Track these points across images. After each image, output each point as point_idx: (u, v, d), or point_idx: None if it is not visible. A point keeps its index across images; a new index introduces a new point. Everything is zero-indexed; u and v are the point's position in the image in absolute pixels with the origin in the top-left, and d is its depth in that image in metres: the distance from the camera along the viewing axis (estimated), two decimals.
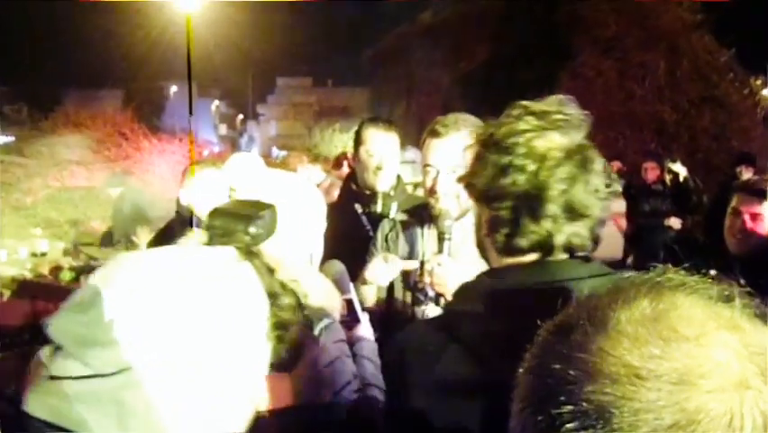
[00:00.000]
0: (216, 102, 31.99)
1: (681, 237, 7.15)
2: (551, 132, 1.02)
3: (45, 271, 5.73)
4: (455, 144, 1.78)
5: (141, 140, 11.01)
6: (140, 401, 0.67)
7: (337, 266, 1.66)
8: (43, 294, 5.72)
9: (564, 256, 1.04)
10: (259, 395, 0.80)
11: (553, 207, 1.00)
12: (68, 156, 10.08)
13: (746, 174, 6.77)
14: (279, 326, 0.79)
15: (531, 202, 1.01)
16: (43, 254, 6.30)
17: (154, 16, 15.95)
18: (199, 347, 0.70)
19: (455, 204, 1.82)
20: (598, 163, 1.03)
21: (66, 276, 5.29)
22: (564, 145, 1.02)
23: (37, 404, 0.67)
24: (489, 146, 1.05)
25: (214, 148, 17.79)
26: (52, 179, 9.73)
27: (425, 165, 1.87)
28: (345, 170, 6.63)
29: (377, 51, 17.94)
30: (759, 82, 12.83)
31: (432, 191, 1.84)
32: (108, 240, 6.49)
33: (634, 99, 10.73)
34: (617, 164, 8.22)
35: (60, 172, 9.91)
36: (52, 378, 0.67)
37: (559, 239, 1.02)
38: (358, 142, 2.41)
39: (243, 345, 0.74)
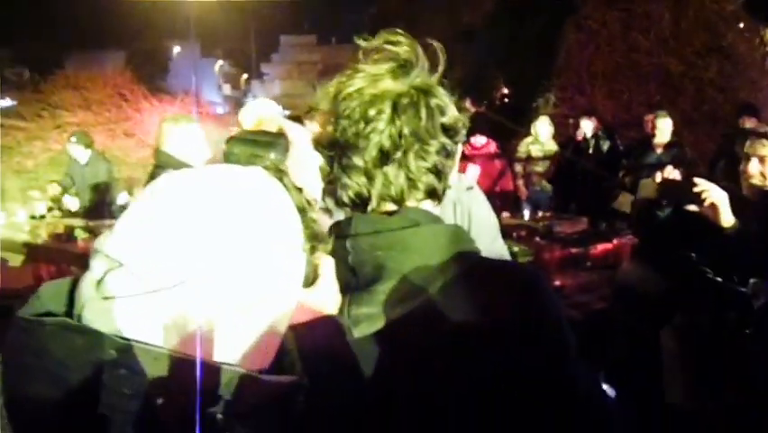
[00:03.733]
0: (220, 62, 31.67)
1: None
2: (383, 78, 1.01)
3: (44, 233, 5.76)
4: None
5: (142, 101, 10.93)
6: (195, 311, 0.70)
7: None
8: (45, 257, 5.78)
9: (386, 207, 1.02)
10: (295, 306, 0.83)
11: (363, 156, 0.99)
12: (68, 119, 10.04)
13: (749, 124, 6.67)
14: (313, 237, 0.84)
15: (344, 150, 1.00)
16: (42, 217, 6.32)
17: None
18: (247, 256, 0.73)
19: None
20: (436, 108, 1.01)
21: (81, 235, 5.34)
22: (395, 91, 1.00)
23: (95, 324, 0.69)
24: (328, 99, 1.04)
25: (218, 108, 17.67)
26: (53, 141, 9.72)
27: None
28: None
29: (380, 7, 17.65)
30: None
31: None
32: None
33: (639, 51, 10.51)
34: (592, 121, 8.01)
35: (61, 135, 9.86)
36: (105, 298, 0.70)
37: (375, 191, 1.00)
38: None
39: (285, 253, 0.78)
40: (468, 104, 8.56)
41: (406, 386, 0.94)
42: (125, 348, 0.67)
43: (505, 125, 8.82)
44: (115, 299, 0.70)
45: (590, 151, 7.81)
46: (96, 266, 0.73)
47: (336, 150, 1.02)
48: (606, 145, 7.92)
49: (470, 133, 7.20)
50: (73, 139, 6.90)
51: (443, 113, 1.01)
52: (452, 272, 0.96)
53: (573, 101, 10.50)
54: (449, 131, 1.02)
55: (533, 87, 11.09)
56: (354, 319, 0.95)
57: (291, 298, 0.81)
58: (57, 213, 6.50)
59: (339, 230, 1.02)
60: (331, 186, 1.06)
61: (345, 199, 1.03)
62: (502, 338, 0.94)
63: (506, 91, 12.36)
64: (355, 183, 1.01)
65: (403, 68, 1.01)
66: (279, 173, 0.84)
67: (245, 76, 35.37)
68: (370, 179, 1.00)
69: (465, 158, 6.46)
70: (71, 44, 17.42)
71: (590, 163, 7.60)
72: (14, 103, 12.24)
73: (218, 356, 0.72)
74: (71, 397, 0.66)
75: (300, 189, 0.86)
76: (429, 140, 0.99)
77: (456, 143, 1.05)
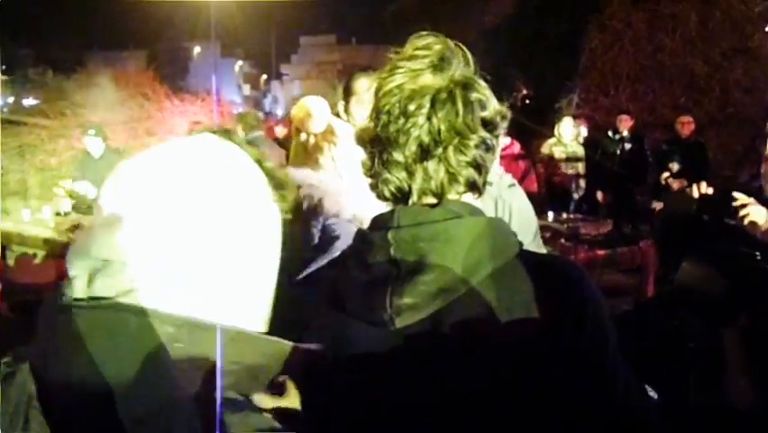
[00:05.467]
0: (240, 62, 31.89)
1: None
2: (423, 74, 1.01)
3: (67, 230, 5.79)
4: None
5: (164, 100, 10.98)
6: (185, 286, 0.73)
7: None
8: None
9: (426, 201, 1.02)
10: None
11: (402, 152, 1.00)
12: (91, 117, 10.07)
13: None
14: (278, 186, 0.87)
15: (385, 145, 1.02)
16: (67, 214, 6.35)
17: None
18: (223, 220, 0.76)
19: None
20: (476, 102, 1.01)
21: None
22: (433, 86, 1.00)
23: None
24: (370, 95, 1.06)
25: (238, 109, 17.76)
26: (76, 140, 9.76)
27: None
28: None
29: (400, 7, 17.61)
30: None
31: None
32: None
33: (664, 52, 10.41)
34: (626, 120, 7.98)
35: (84, 133, 9.92)
36: (93, 299, 0.71)
37: (415, 185, 1.01)
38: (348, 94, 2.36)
39: (260, 209, 0.81)
40: None
41: (447, 375, 0.95)
42: (181, 324, 0.69)
43: (528, 126, 8.76)
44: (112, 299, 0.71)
45: (618, 152, 7.74)
46: (77, 271, 0.73)
47: (377, 145, 1.03)
48: (629, 147, 7.85)
49: None
50: (92, 132, 6.97)
51: (483, 107, 1.02)
52: (494, 264, 0.97)
53: (597, 102, 10.41)
54: (488, 125, 1.02)
55: (555, 88, 11.01)
56: (396, 309, 0.95)
57: (274, 249, 0.84)
58: (81, 210, 6.53)
59: (381, 222, 1.03)
60: (372, 180, 1.06)
61: (386, 194, 1.04)
62: (544, 330, 0.94)
63: (527, 92, 12.29)
64: (396, 178, 1.02)
65: (441, 62, 1.02)
66: (226, 134, 0.86)
67: (265, 76, 35.58)
68: (411, 174, 1.01)
69: None
70: (93, 44, 17.61)
71: (617, 165, 7.54)
72: (38, 102, 12.36)
73: (225, 320, 0.74)
74: (124, 376, 0.68)
75: (251, 143, 0.88)
76: (469, 134, 1.00)
77: (496, 137, 1.05)
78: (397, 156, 1.00)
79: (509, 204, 2.00)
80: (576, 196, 7.84)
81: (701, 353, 0.93)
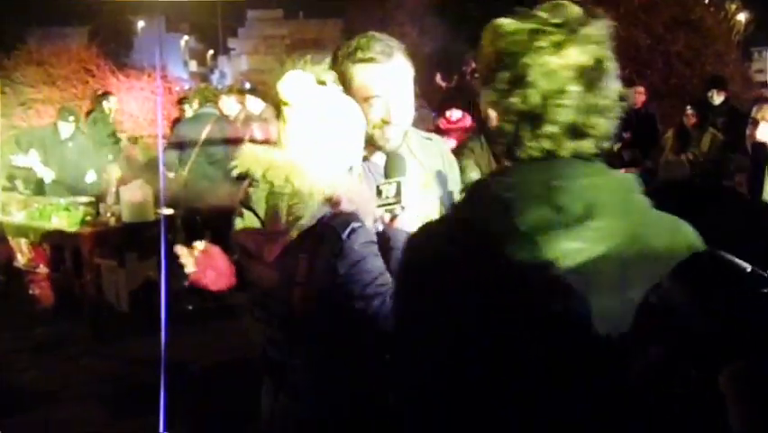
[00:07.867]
0: (186, 37, 31.13)
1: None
2: (568, 47, 1.03)
3: (14, 210, 5.67)
4: (398, 71, 1.82)
5: (109, 77, 10.72)
6: None
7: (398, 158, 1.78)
8: (21, 233, 5.68)
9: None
10: None
11: (553, 128, 1.04)
12: (33, 95, 9.80)
13: (718, 98, 6.79)
14: None
15: (534, 120, 1.05)
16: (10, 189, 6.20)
17: None
18: None
19: (401, 136, 1.85)
20: (612, 79, 1.06)
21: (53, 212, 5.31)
22: (580, 63, 1.03)
23: None
24: (501, 59, 1.06)
25: (185, 85, 17.40)
26: (18, 119, 9.48)
27: (371, 96, 1.83)
28: None
29: None
30: (734, 6, 12.73)
31: (385, 123, 1.82)
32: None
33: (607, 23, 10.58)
34: None
35: (26, 112, 9.63)
36: None
37: (563, 152, 1.06)
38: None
39: None
40: (438, 78, 8.56)
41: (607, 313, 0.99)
42: None
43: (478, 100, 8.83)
44: None
45: None
46: None
47: (525, 117, 1.05)
48: None
49: (446, 107, 7.20)
50: (71, 118, 6.73)
51: (612, 87, 1.06)
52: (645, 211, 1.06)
53: None
54: (621, 97, 1.08)
55: None
56: (564, 253, 1.00)
57: None
58: (27, 189, 6.37)
59: (537, 173, 1.06)
60: (509, 147, 1.08)
61: (526, 156, 1.07)
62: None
63: (476, 66, 12.34)
64: (543, 146, 1.05)
65: (581, 31, 1.04)
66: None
67: (211, 51, 34.83)
68: (559, 144, 1.05)
69: (441, 132, 6.46)
70: (32, 20, 16.98)
71: None
72: None
73: None
74: None
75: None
76: (612, 107, 1.06)
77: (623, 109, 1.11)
78: (549, 129, 1.04)
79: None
80: None
81: (694, 398, 0.91)
